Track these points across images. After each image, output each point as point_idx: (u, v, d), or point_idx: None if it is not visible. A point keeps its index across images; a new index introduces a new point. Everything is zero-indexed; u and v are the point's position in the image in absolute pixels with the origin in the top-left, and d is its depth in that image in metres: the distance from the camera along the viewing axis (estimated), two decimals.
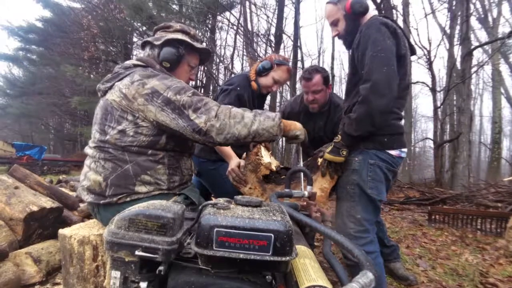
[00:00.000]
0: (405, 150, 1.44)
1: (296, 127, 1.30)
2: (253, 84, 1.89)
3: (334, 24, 1.53)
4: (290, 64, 2.03)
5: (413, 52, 1.50)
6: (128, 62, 1.30)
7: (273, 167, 1.69)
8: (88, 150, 1.26)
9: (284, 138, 1.40)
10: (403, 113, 1.46)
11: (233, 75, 1.95)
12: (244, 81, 1.89)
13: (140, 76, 1.18)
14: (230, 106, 1.18)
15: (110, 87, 1.24)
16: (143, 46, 1.40)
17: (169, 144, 1.23)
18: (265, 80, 1.89)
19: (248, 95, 1.88)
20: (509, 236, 2.78)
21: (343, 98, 1.54)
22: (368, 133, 1.34)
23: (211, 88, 10.51)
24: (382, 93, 1.25)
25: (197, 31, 1.65)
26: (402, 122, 1.47)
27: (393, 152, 1.39)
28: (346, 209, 1.43)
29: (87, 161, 1.26)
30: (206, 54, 1.51)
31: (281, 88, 12.87)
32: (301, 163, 1.52)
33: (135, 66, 1.27)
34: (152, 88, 1.14)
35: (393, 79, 1.27)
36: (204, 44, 1.48)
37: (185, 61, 1.39)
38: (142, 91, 1.14)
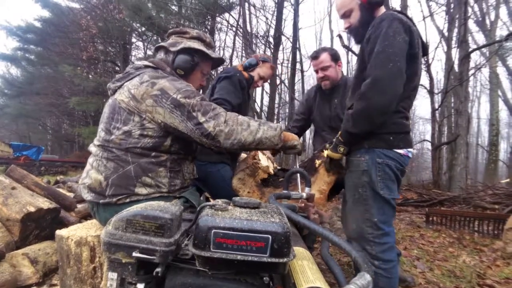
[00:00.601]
0: (411, 150, 1.38)
1: (294, 138, 1.35)
2: (245, 73, 1.98)
3: (346, 15, 1.44)
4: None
5: (425, 53, 1.43)
6: (139, 63, 1.31)
7: (271, 171, 1.70)
8: (92, 148, 1.27)
9: (284, 150, 1.41)
10: (409, 114, 1.40)
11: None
12: (238, 70, 1.97)
13: (149, 76, 1.19)
14: (236, 114, 1.22)
15: (120, 87, 1.25)
16: (157, 49, 1.42)
17: (173, 147, 1.23)
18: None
19: (245, 82, 1.97)
20: (506, 237, 2.79)
21: (349, 96, 1.50)
22: (366, 131, 1.29)
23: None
24: (383, 90, 1.19)
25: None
26: (409, 121, 1.41)
27: (401, 151, 1.33)
28: (361, 213, 1.34)
29: (90, 159, 1.26)
30: (219, 62, 1.56)
31: (279, 90, 12.89)
32: (297, 165, 1.53)
33: (146, 67, 1.29)
34: (161, 89, 1.15)
35: (397, 77, 1.19)
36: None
37: (198, 68, 1.42)
38: (151, 91, 1.15)
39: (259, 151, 1.71)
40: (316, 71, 2.18)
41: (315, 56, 2.14)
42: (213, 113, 1.16)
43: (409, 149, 1.37)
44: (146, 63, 1.30)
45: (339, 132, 1.40)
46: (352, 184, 1.40)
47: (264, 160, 1.72)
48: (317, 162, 1.61)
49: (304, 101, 2.47)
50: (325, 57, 2.10)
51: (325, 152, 1.48)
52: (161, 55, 1.39)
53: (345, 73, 2.34)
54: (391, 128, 1.31)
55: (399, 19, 1.24)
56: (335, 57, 2.14)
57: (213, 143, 1.17)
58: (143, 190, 1.18)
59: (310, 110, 2.39)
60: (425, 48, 1.41)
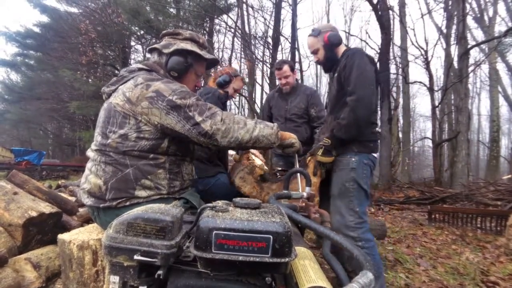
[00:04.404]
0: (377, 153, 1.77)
1: (291, 136, 1.39)
2: (220, 91, 2.16)
3: (315, 52, 1.85)
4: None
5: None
6: (133, 66, 1.31)
7: (265, 168, 1.82)
8: (90, 153, 1.27)
9: (282, 149, 1.43)
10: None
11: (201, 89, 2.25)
12: (215, 88, 2.16)
13: (143, 79, 1.19)
14: (233, 113, 1.24)
15: (114, 90, 1.25)
16: (150, 51, 1.41)
17: (170, 148, 1.23)
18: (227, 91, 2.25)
19: (223, 98, 2.18)
20: (509, 234, 2.78)
21: (329, 110, 1.86)
22: (352, 137, 1.61)
23: None
24: (366, 106, 1.54)
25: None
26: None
27: (375, 155, 1.72)
28: (345, 204, 1.63)
29: (89, 164, 1.25)
30: (213, 62, 1.55)
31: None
32: (297, 165, 1.56)
33: (140, 69, 1.29)
34: (156, 91, 1.15)
35: (374, 96, 1.59)
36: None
37: (192, 70, 1.41)
38: (146, 93, 1.15)
39: (250, 153, 1.81)
40: (279, 78, 2.80)
41: (279, 68, 2.74)
42: (209, 113, 1.15)
43: (377, 153, 1.77)
44: (140, 65, 1.30)
45: (329, 140, 1.65)
46: (339, 180, 1.67)
47: (258, 159, 1.83)
48: (308, 158, 1.74)
49: (268, 100, 3.08)
50: (286, 68, 2.72)
51: (318, 157, 1.66)
52: (154, 57, 1.38)
53: None
54: (370, 137, 1.68)
55: (366, 54, 1.66)
56: (292, 68, 2.79)
57: (211, 142, 1.16)
58: (142, 193, 1.17)
59: (272, 107, 2.99)
60: (377, 73, 1.75)
